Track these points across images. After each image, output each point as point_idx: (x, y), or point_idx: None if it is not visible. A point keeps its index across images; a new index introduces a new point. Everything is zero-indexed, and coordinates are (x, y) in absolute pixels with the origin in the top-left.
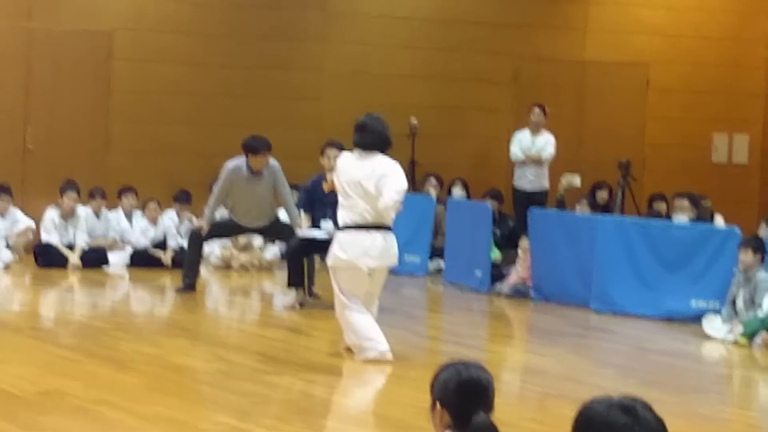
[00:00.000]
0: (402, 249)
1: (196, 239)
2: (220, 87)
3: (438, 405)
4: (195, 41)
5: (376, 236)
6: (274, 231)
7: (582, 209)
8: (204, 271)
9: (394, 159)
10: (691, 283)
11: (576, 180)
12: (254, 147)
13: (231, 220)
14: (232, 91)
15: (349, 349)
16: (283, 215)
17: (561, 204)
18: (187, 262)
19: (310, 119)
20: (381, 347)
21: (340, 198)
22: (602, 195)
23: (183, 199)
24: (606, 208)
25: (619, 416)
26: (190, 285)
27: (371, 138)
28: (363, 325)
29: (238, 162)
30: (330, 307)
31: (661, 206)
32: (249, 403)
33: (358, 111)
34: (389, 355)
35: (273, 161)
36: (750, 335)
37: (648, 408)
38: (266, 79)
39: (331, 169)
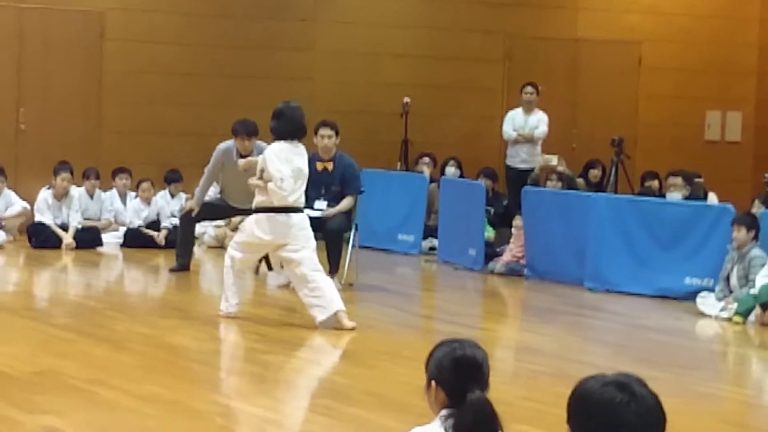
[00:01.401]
0: (396, 228)
1: (188, 220)
2: (212, 67)
3: (433, 383)
4: (187, 21)
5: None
6: None
7: (553, 185)
8: (198, 250)
9: (388, 138)
10: (684, 260)
11: (553, 159)
12: (235, 130)
13: (222, 201)
14: (224, 72)
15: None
16: None
17: (535, 183)
18: (180, 242)
19: (301, 99)
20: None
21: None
22: (595, 173)
23: (173, 178)
24: (599, 186)
25: (614, 393)
26: (183, 265)
27: (293, 126)
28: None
29: (229, 144)
30: None
31: (653, 184)
32: (243, 382)
33: (349, 90)
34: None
35: (262, 144)
36: (744, 313)
37: (643, 384)
38: (258, 59)
39: (324, 147)
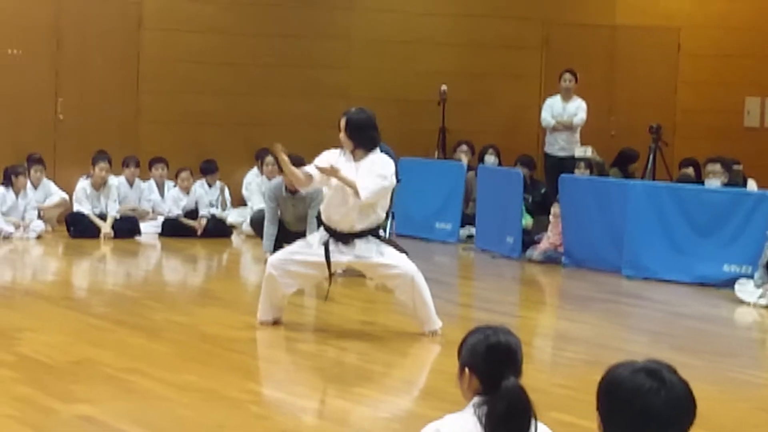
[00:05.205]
0: (433, 216)
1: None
2: (249, 56)
3: (466, 370)
4: (224, 10)
5: None
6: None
7: (580, 172)
8: (236, 239)
9: (425, 126)
10: (723, 247)
11: (588, 151)
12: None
13: (281, 227)
14: (261, 60)
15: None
16: None
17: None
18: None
19: (337, 88)
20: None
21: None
22: (636, 167)
23: (209, 169)
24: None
25: (644, 380)
26: None
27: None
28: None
29: (277, 181)
30: (361, 275)
31: (688, 171)
32: (280, 371)
33: (386, 79)
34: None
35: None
36: None
37: (673, 371)
38: (294, 48)
39: None
